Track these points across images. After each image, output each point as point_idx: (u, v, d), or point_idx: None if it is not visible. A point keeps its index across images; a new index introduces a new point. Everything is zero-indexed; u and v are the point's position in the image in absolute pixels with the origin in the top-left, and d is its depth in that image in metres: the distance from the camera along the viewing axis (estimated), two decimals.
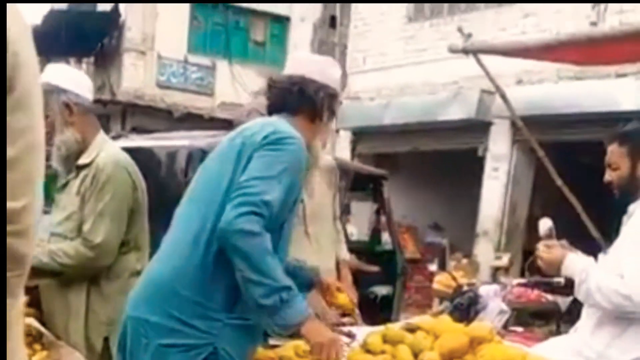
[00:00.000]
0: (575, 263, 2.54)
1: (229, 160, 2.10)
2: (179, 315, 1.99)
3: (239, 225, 1.92)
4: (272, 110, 2.32)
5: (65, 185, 2.74)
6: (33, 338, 2.73)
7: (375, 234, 6.87)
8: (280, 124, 2.17)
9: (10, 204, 1.29)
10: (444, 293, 5.38)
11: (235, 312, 2.03)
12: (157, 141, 5.86)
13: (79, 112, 2.71)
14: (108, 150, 2.73)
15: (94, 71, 17.12)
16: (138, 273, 2.53)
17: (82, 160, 2.69)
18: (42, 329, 2.73)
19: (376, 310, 4.00)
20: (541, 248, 2.61)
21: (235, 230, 1.92)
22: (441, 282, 6.24)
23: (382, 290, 4.75)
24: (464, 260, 9.30)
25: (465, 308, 2.88)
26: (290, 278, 2.10)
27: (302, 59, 2.47)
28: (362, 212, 8.17)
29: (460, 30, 5.71)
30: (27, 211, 1.32)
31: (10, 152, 1.30)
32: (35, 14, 16.28)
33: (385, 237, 6.60)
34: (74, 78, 2.80)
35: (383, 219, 6.51)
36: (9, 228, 1.29)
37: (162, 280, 2.06)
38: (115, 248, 2.67)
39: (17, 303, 1.38)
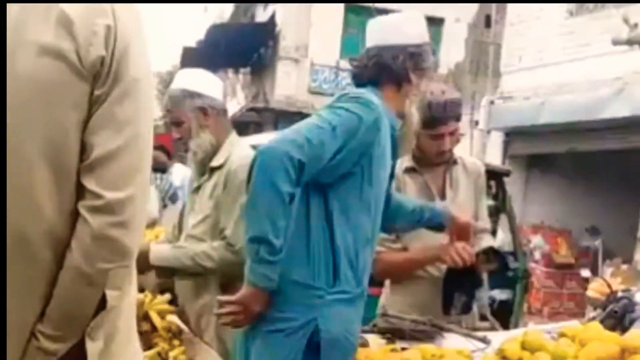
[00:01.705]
0: None
1: None
2: (284, 301, 2.01)
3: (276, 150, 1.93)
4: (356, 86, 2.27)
5: (198, 188, 2.78)
6: (173, 334, 2.81)
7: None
8: (361, 90, 2.14)
9: (112, 195, 1.29)
10: (598, 301, 5.00)
11: (336, 286, 2.02)
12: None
13: (213, 114, 2.75)
14: (240, 151, 2.74)
15: (250, 80, 17.81)
16: None
17: (214, 163, 2.72)
18: (182, 325, 2.80)
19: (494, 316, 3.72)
20: None
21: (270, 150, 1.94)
22: (596, 289, 5.79)
23: (500, 295, 4.44)
24: (624, 267, 8.64)
25: (619, 316, 2.61)
26: (421, 213, 2.51)
27: (375, 27, 2.32)
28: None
29: (625, 20, 5.30)
30: (130, 202, 1.31)
31: (117, 142, 1.30)
32: (200, 28, 17.20)
33: (503, 237, 6.27)
34: (208, 82, 2.83)
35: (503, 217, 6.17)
36: (110, 219, 1.29)
37: None
38: None
39: (123, 294, 1.38)
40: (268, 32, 16.76)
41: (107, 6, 1.30)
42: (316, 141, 1.95)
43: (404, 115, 2.22)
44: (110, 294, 1.32)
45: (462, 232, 2.54)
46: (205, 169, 2.76)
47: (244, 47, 16.55)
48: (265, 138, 6.49)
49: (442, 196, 2.86)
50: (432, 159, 2.83)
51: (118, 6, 1.31)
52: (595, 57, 9.89)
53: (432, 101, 2.67)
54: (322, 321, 1.99)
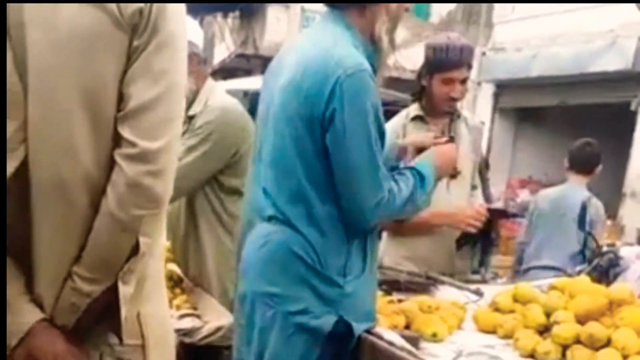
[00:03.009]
0: None
1: (300, 120, 1.93)
2: (303, 283, 1.95)
3: (373, 222, 1.99)
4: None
5: None
6: (174, 282, 2.87)
7: None
8: (338, 50, 1.93)
9: (147, 144, 1.34)
10: None
11: (350, 274, 1.98)
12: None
13: (195, 62, 2.69)
14: (216, 97, 2.73)
15: (239, 25, 17.53)
16: None
17: (192, 111, 2.69)
18: (182, 274, 2.87)
19: None
20: None
21: (371, 226, 2.00)
22: None
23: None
24: (608, 222, 8.75)
25: (604, 270, 2.70)
26: None
27: None
28: None
29: None
30: (164, 152, 1.37)
31: (152, 92, 1.36)
32: None
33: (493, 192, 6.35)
34: (192, 27, 2.76)
35: None
36: (145, 167, 1.34)
37: (278, 250, 1.97)
38: (196, 182, 2.66)
39: (154, 241, 1.44)
40: None
41: None
42: (379, 166, 1.95)
43: (374, 40, 2.04)
44: (142, 240, 1.38)
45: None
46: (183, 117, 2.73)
47: None
48: (252, 82, 6.36)
49: None
50: (441, 106, 2.88)
51: None
52: (588, 8, 9.83)
53: (450, 44, 2.78)
54: (345, 312, 1.95)
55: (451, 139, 2.37)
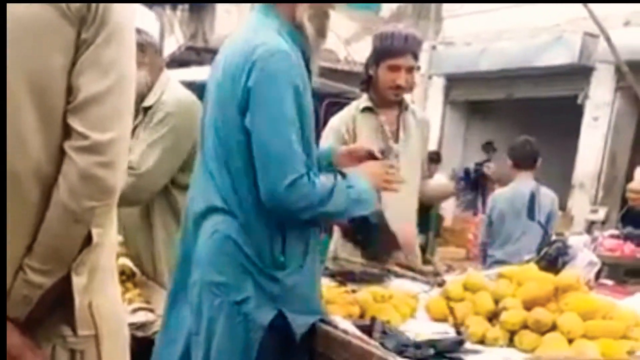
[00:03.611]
0: None
1: (230, 111, 1.97)
2: (245, 273, 1.98)
3: (287, 205, 1.92)
4: None
5: (133, 131, 2.73)
6: (127, 277, 2.85)
7: None
8: (257, 37, 1.96)
9: (98, 136, 1.34)
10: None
11: (288, 267, 2.01)
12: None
13: (150, 52, 2.65)
14: (172, 89, 2.70)
15: (189, 18, 17.35)
16: None
17: (147, 102, 2.65)
18: (135, 268, 2.85)
19: None
20: None
21: (287, 211, 1.93)
22: None
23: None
24: (559, 213, 9.00)
25: (553, 259, 2.78)
26: None
27: None
28: None
29: None
30: (116, 143, 1.36)
31: (102, 84, 1.35)
32: None
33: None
34: (145, 17, 2.73)
35: None
36: (95, 159, 1.34)
37: (224, 239, 2.01)
38: (161, 182, 2.62)
39: (105, 233, 1.44)
40: None
41: None
42: (296, 146, 1.91)
43: (297, 26, 2.04)
44: (95, 231, 1.38)
45: (353, 157, 2.35)
46: (138, 108, 2.65)
47: None
48: (199, 73, 6.41)
49: (396, 139, 2.96)
50: (387, 94, 2.91)
51: None
52: (534, 4, 10.03)
53: (395, 32, 2.84)
54: (285, 305, 1.99)
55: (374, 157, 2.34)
